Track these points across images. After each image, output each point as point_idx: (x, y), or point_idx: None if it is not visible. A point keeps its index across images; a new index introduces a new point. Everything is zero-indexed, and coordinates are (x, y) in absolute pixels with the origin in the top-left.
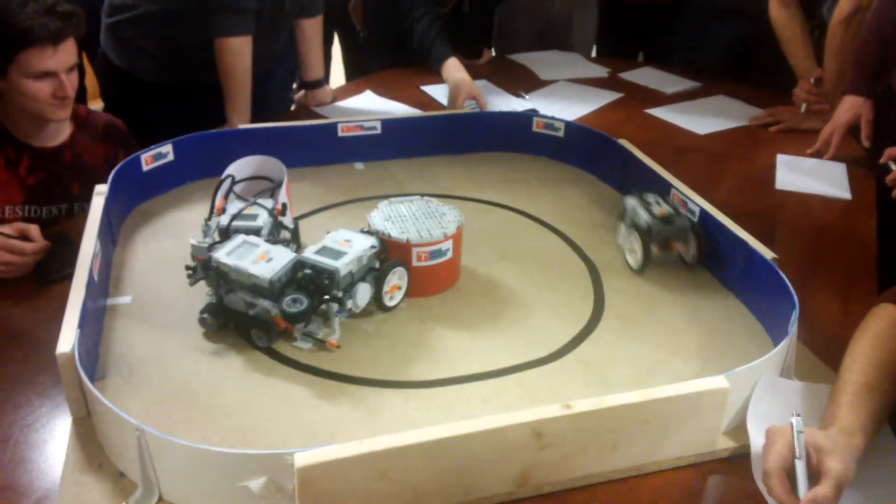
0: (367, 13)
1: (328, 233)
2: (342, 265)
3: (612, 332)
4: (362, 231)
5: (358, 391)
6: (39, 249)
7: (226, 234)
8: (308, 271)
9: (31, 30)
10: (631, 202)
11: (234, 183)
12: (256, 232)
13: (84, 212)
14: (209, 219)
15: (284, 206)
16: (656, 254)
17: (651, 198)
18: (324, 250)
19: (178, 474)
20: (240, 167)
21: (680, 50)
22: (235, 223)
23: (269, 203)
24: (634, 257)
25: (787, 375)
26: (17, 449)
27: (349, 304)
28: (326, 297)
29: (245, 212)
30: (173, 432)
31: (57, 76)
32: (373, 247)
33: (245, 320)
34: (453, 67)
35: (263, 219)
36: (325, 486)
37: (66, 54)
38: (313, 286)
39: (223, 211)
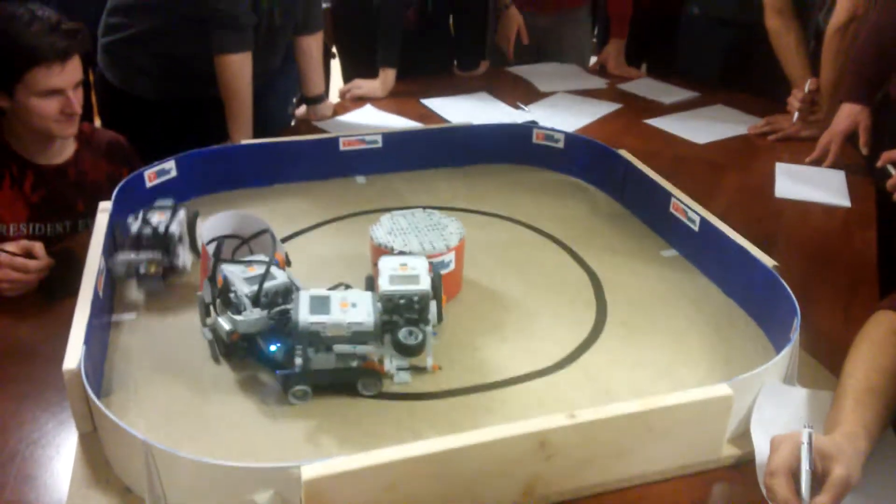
0: (336, 30)
1: (377, 263)
2: (427, 287)
3: (615, 340)
4: (398, 252)
5: (362, 404)
6: (44, 267)
7: (256, 301)
8: (401, 301)
9: (38, 49)
10: None
11: (219, 250)
12: (288, 289)
13: (88, 229)
14: (218, 296)
15: (286, 253)
16: None
17: None
18: (395, 279)
19: (185, 489)
20: (211, 229)
21: (682, 59)
22: (266, 286)
23: (262, 257)
24: None
25: (791, 382)
26: (24, 465)
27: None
28: (423, 323)
29: (249, 273)
30: (179, 447)
31: (64, 93)
32: (430, 263)
33: (342, 375)
34: None
35: (281, 274)
36: (332, 499)
37: (72, 71)
38: (404, 316)
39: (223, 280)
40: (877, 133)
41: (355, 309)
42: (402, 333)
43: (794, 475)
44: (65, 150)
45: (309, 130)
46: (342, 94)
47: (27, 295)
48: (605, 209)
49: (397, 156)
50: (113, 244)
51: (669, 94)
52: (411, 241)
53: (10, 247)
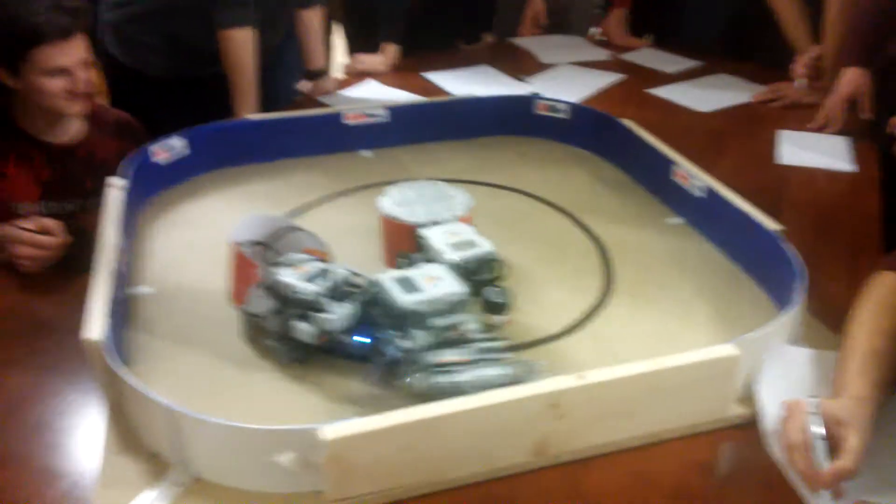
0: (344, 5)
1: (421, 236)
2: (489, 247)
3: (623, 307)
4: (430, 223)
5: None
6: (60, 244)
7: (338, 297)
8: (473, 265)
9: (40, 26)
10: None
11: (271, 256)
12: (348, 280)
13: (97, 207)
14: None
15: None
16: None
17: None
18: (458, 246)
19: (210, 453)
20: (240, 234)
21: (686, 28)
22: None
23: (305, 256)
24: None
25: (796, 343)
26: (51, 435)
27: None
28: (496, 281)
29: (302, 273)
30: (203, 412)
31: (70, 72)
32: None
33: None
34: None
35: (336, 266)
36: (353, 459)
37: (76, 49)
38: (472, 279)
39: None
40: (881, 96)
41: (443, 281)
42: (491, 293)
43: (810, 444)
44: (73, 129)
45: (312, 105)
46: (346, 70)
47: (45, 271)
48: (610, 178)
49: (402, 129)
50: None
51: (673, 63)
52: (418, 211)
53: (28, 224)
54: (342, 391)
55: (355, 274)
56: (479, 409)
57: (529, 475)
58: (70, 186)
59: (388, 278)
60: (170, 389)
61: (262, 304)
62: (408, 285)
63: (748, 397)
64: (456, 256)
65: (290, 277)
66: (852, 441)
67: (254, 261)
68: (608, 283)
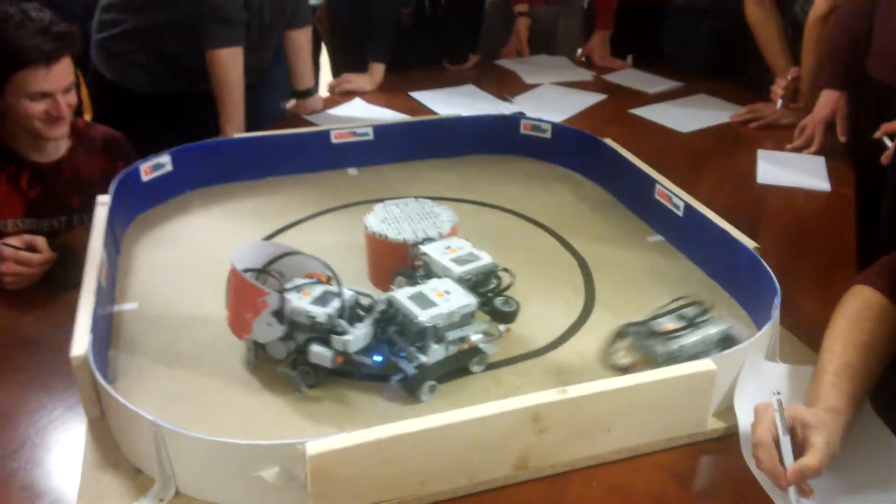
0: (332, 24)
1: (423, 253)
2: (490, 260)
3: (604, 322)
4: (422, 240)
5: (363, 385)
6: (46, 260)
7: (350, 319)
8: (476, 278)
9: (24, 50)
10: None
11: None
12: (356, 300)
13: (84, 224)
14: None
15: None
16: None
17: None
18: (460, 261)
19: (194, 467)
20: (240, 262)
21: (667, 50)
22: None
23: (308, 280)
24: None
25: (772, 359)
26: (34, 451)
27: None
28: (498, 292)
29: (309, 297)
30: (186, 428)
31: (52, 96)
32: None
33: (457, 359)
34: None
35: (342, 289)
36: (336, 473)
37: (60, 74)
38: (478, 290)
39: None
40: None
41: (452, 295)
42: (498, 302)
43: (777, 444)
44: (59, 147)
45: (299, 124)
46: (332, 88)
47: (31, 287)
48: (592, 197)
49: (388, 147)
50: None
51: (653, 84)
52: (405, 229)
53: (14, 241)
54: (326, 406)
55: (361, 293)
56: (461, 423)
57: (511, 489)
58: (56, 204)
59: (403, 296)
60: (153, 405)
61: (271, 332)
62: (422, 301)
63: (725, 411)
64: (461, 270)
65: (301, 302)
66: (816, 440)
67: (261, 288)
68: (590, 298)
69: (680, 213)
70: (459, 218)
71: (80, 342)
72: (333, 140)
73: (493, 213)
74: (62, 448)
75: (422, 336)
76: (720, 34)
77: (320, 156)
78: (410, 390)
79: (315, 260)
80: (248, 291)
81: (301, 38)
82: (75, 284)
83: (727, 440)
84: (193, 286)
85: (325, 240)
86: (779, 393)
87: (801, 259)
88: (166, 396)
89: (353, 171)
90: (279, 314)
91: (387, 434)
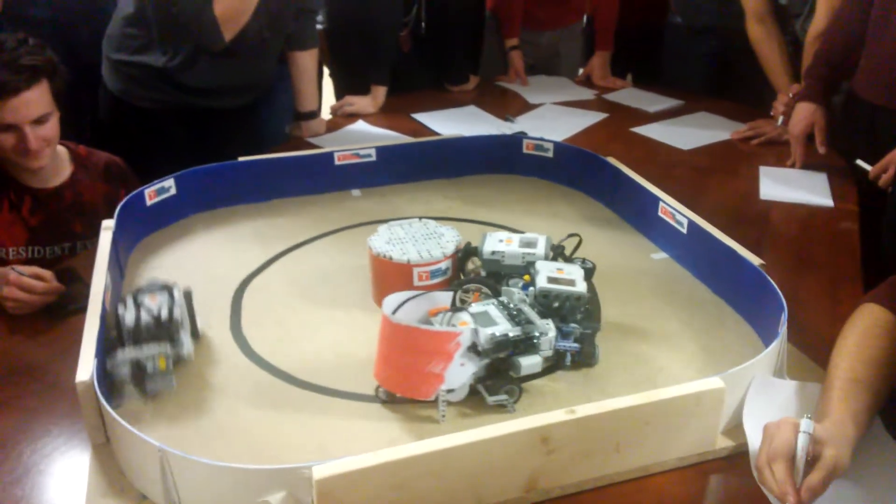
0: (331, 47)
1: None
2: (583, 290)
3: (610, 342)
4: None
5: (367, 407)
6: (50, 290)
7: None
8: (556, 298)
9: None
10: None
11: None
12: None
13: (87, 249)
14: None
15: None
16: None
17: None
18: (552, 279)
19: (200, 492)
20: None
21: (667, 70)
22: None
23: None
24: None
25: (780, 375)
26: (39, 478)
27: None
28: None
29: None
30: (191, 454)
31: (18, 128)
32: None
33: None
34: None
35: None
36: (343, 498)
37: (28, 107)
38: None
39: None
40: (847, 127)
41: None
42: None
43: (790, 461)
44: (60, 174)
45: (302, 146)
46: (334, 111)
47: (34, 313)
48: (596, 215)
49: (391, 169)
50: (107, 342)
51: (654, 102)
52: (409, 249)
53: (21, 268)
54: (333, 429)
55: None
56: (469, 444)
57: None
58: (58, 230)
59: (544, 280)
60: (158, 430)
61: (464, 371)
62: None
63: (734, 429)
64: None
65: (497, 327)
66: (826, 455)
67: (452, 330)
68: (595, 316)
69: (684, 231)
70: (463, 238)
71: (86, 367)
72: (337, 162)
73: (497, 232)
74: (67, 475)
75: (581, 305)
76: (720, 52)
77: (324, 177)
78: (587, 357)
79: (442, 293)
80: (432, 341)
81: (306, 60)
82: (81, 309)
83: (736, 458)
84: (197, 309)
85: (329, 261)
86: (809, 416)
87: (805, 275)
88: (171, 421)
89: (356, 192)
90: (474, 347)
91: (394, 457)
